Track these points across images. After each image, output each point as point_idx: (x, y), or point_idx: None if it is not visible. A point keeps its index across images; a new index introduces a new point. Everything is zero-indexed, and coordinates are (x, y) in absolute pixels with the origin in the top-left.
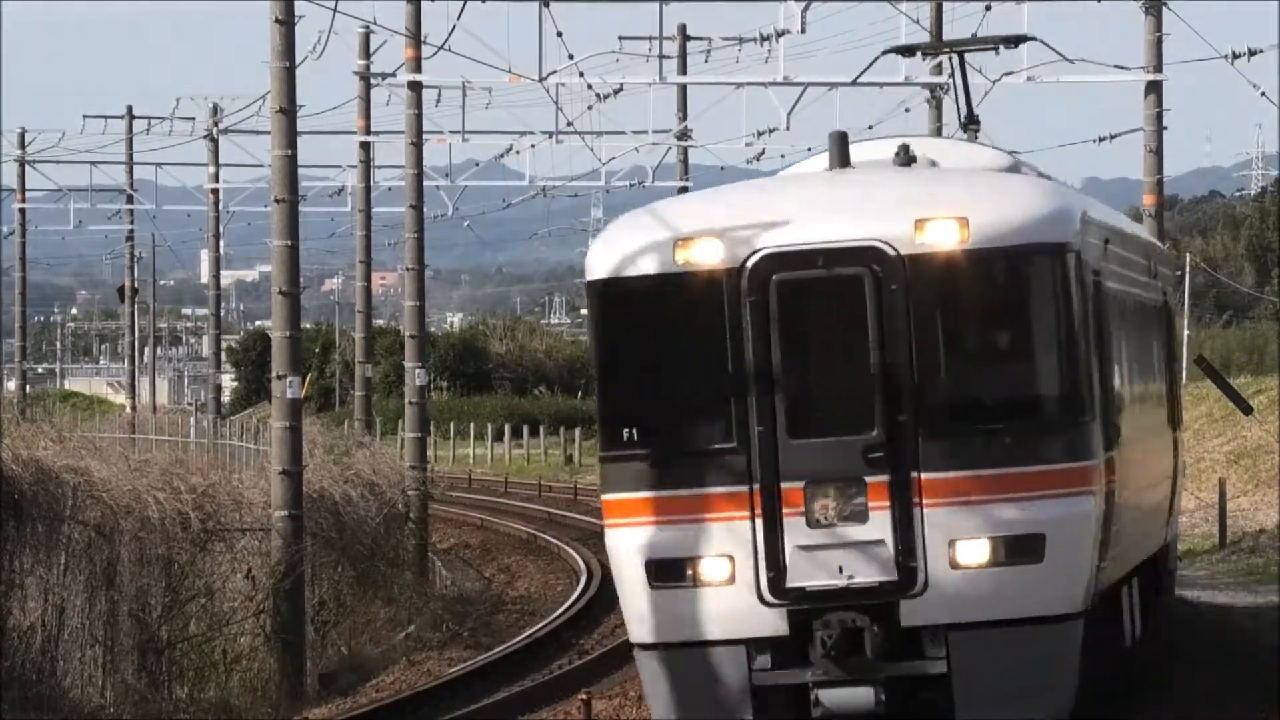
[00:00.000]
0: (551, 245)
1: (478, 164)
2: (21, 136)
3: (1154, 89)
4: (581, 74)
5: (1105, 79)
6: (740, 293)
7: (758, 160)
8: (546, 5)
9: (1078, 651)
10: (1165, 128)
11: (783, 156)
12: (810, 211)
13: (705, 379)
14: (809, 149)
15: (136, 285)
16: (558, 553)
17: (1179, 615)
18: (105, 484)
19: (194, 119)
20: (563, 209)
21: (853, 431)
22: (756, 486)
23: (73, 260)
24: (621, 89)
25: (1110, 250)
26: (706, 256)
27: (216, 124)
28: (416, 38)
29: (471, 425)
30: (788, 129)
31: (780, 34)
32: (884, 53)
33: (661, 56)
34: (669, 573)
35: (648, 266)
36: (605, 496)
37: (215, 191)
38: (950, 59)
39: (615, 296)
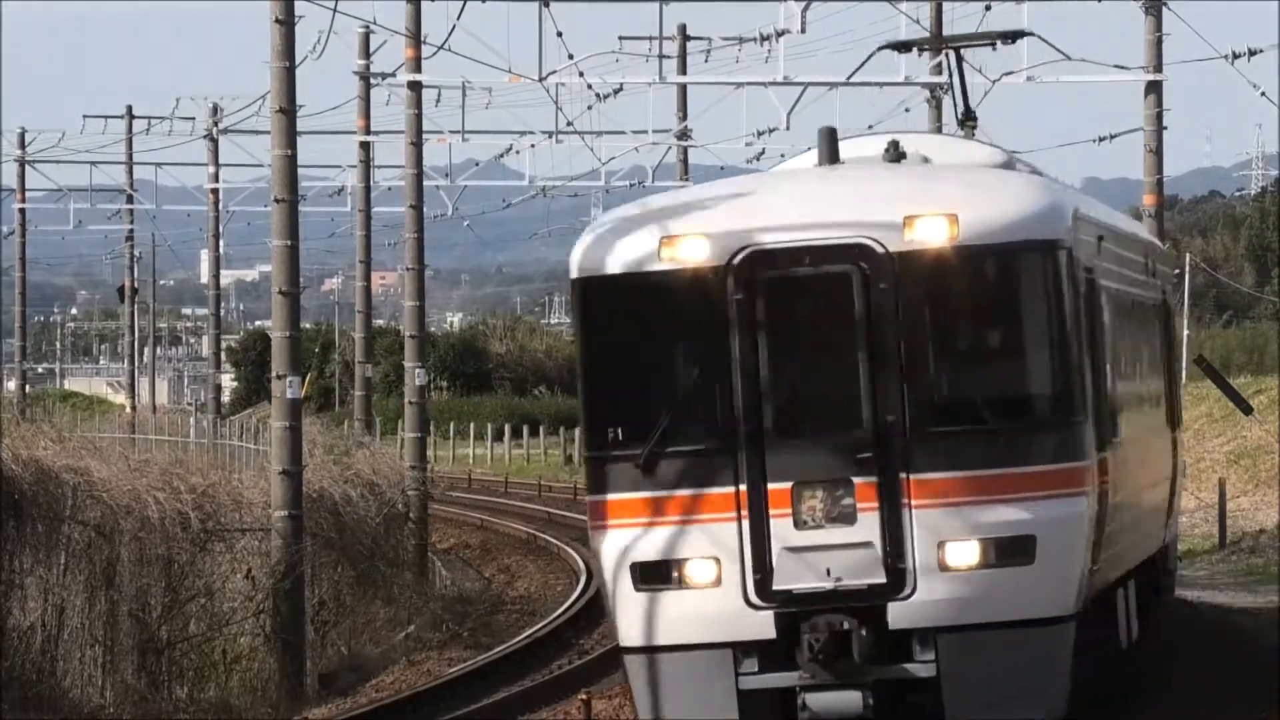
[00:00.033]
0: (551, 245)
1: (478, 164)
2: (21, 136)
3: (1154, 89)
4: (581, 74)
5: (1105, 79)
6: (726, 291)
7: (758, 160)
8: (546, 5)
9: (1070, 655)
10: (1165, 128)
11: (782, 156)
12: (798, 208)
13: (691, 378)
14: (809, 149)
15: (136, 285)
16: (558, 553)
17: (1179, 615)
18: (105, 484)
19: (194, 119)
20: (563, 209)
21: (840, 431)
22: (743, 487)
23: (73, 260)
24: (621, 89)
25: (1104, 248)
26: (692, 254)
27: (216, 124)
28: (416, 38)
29: (471, 425)
30: (788, 129)
31: (780, 34)
32: (880, 48)
33: (661, 56)
34: (655, 575)
35: (633, 264)
36: (590, 498)
37: (215, 191)
38: (947, 55)
39: (600, 294)
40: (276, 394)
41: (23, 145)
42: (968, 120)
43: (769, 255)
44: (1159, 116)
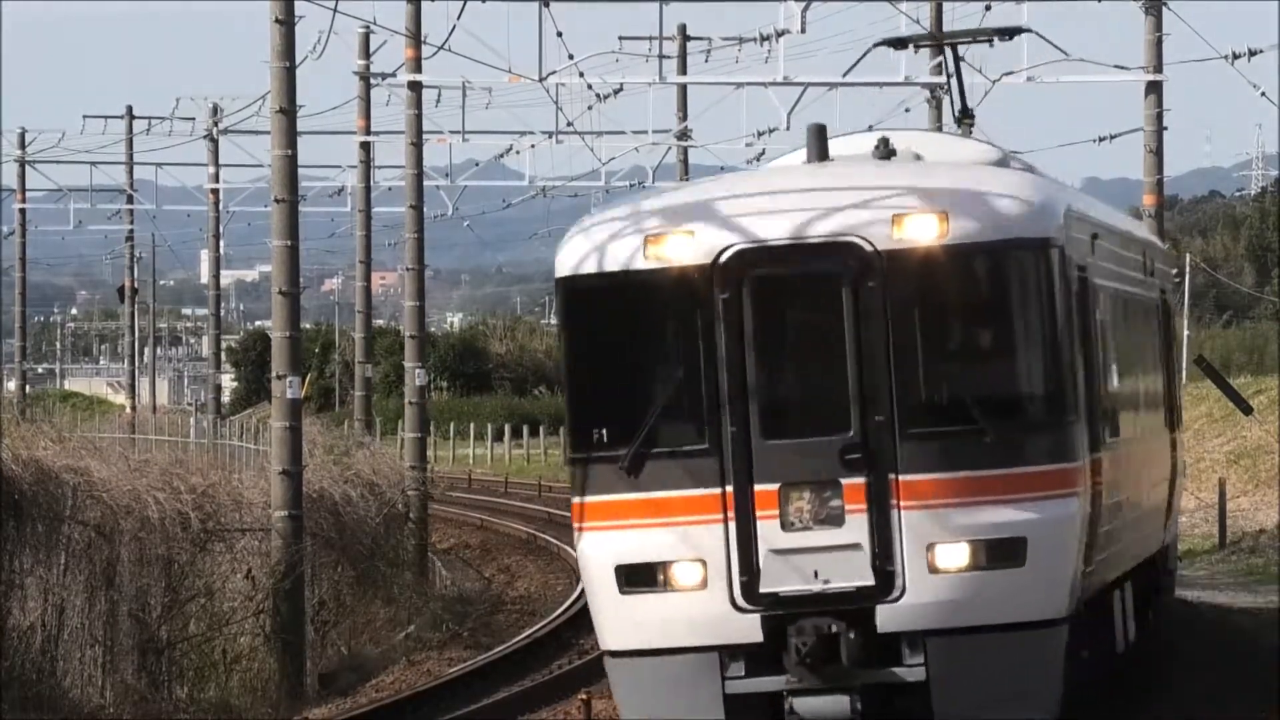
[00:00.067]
0: (551, 245)
1: (478, 164)
2: (21, 136)
3: (1154, 89)
4: (581, 74)
5: (1105, 79)
6: (712, 290)
7: (758, 160)
8: (546, 5)
9: (1061, 659)
10: (1165, 128)
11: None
12: (785, 206)
13: (677, 378)
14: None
15: (136, 285)
16: (558, 552)
17: (1179, 615)
18: (105, 484)
19: (194, 119)
20: (563, 209)
21: (828, 432)
22: (729, 489)
23: (73, 260)
24: (621, 89)
25: (1098, 246)
26: (678, 253)
27: (216, 124)
28: (416, 38)
29: (471, 425)
30: (788, 129)
31: (780, 34)
32: (876, 45)
33: (661, 56)
34: (640, 578)
35: (618, 263)
36: (575, 499)
37: (215, 191)
38: (945, 52)
39: (585, 293)
40: (276, 394)
41: (23, 145)
42: (965, 118)
43: (756, 254)
44: (1159, 116)
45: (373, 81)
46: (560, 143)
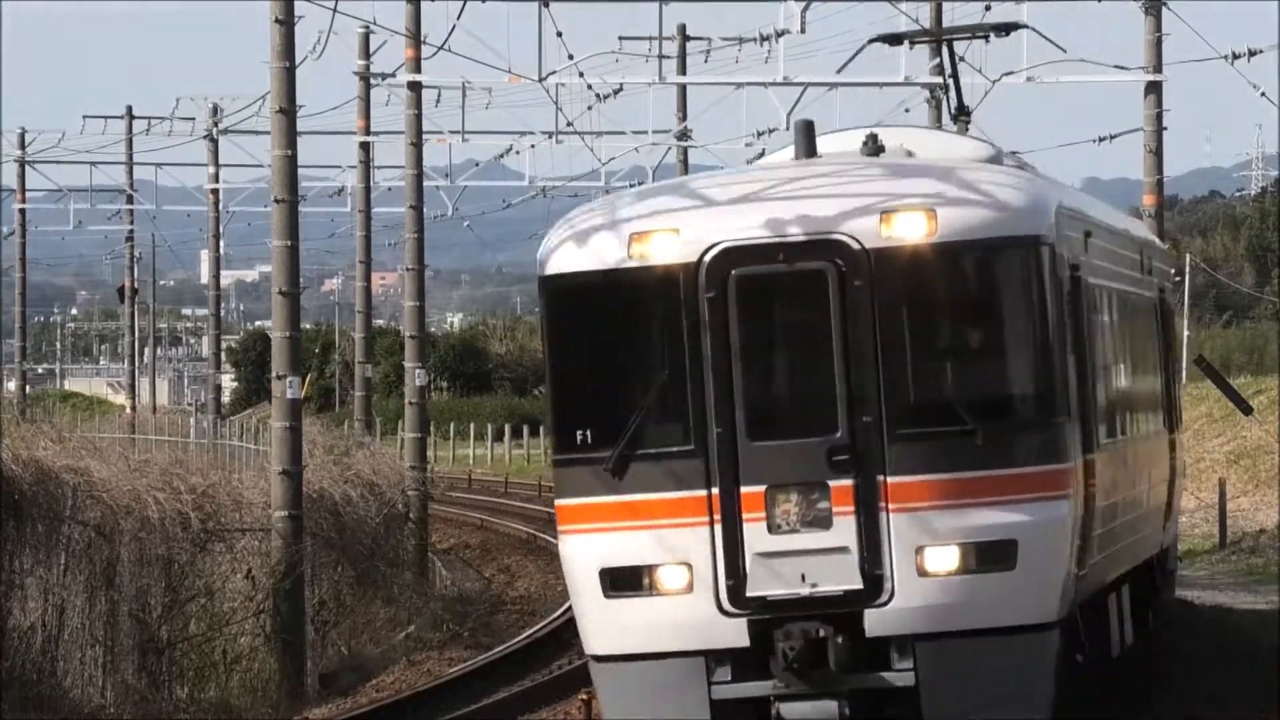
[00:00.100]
0: None
1: (478, 164)
2: (21, 136)
3: (1154, 89)
4: (581, 74)
5: (1105, 79)
6: (698, 289)
7: (758, 160)
8: (546, 5)
9: (1053, 663)
10: (1165, 128)
11: None
12: (771, 204)
13: (662, 379)
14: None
15: (136, 285)
16: (557, 553)
17: (1179, 615)
18: (105, 484)
19: (194, 119)
20: (563, 209)
21: (815, 433)
22: (715, 491)
23: (73, 260)
24: (621, 89)
25: (1092, 244)
26: (662, 251)
27: (216, 124)
28: (416, 38)
29: (471, 425)
30: (788, 129)
31: (780, 34)
32: (870, 41)
33: (661, 56)
34: (625, 581)
35: (602, 262)
36: (559, 501)
37: (215, 192)
38: (941, 49)
39: (568, 292)
40: (276, 394)
41: (23, 145)
42: (961, 116)
43: (741, 252)
44: (1159, 117)
45: (373, 81)
46: (560, 143)
